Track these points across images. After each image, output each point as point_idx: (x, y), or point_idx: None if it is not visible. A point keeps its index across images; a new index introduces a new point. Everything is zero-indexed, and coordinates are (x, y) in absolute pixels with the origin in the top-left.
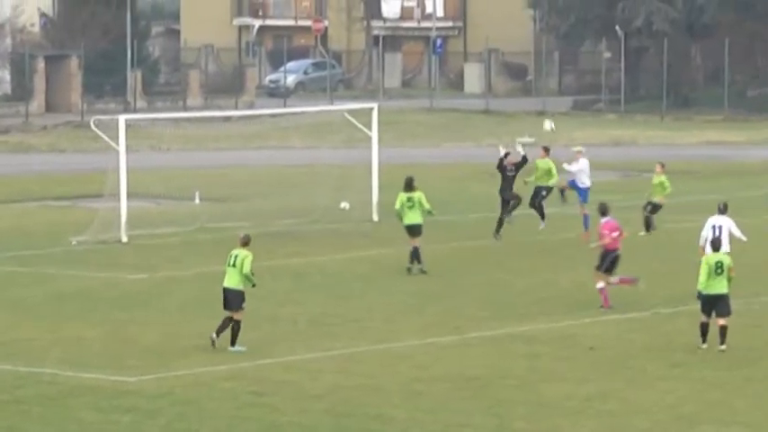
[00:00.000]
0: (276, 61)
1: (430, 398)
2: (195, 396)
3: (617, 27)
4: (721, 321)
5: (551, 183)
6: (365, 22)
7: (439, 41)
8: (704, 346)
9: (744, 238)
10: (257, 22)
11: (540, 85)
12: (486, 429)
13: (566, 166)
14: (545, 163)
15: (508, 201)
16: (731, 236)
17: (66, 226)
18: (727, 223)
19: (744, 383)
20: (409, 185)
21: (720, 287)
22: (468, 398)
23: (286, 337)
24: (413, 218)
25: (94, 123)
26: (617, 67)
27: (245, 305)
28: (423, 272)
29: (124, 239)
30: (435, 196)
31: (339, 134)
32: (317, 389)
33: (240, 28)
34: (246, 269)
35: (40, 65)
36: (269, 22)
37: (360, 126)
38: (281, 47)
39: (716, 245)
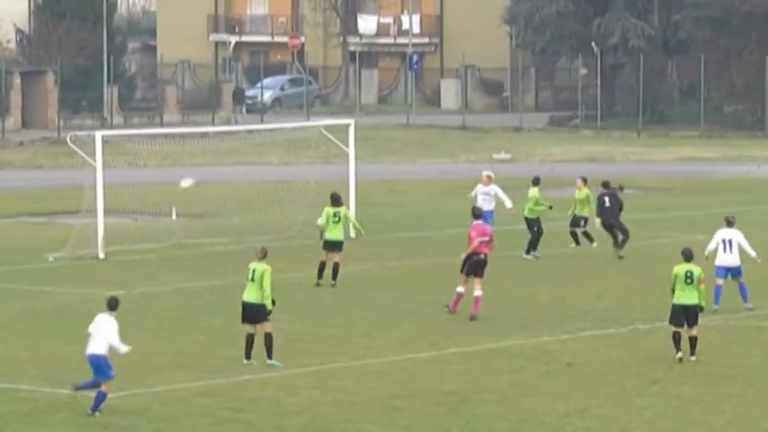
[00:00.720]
0: (253, 77)
1: (408, 414)
2: (172, 412)
3: (593, 43)
4: (692, 332)
5: (586, 212)
6: (342, 39)
7: (415, 58)
8: (679, 354)
9: (753, 254)
10: (234, 39)
11: (517, 102)
12: None
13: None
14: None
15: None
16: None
17: (43, 242)
18: (737, 236)
19: (722, 400)
20: (336, 201)
21: (691, 297)
22: (447, 413)
23: (263, 352)
24: (336, 233)
25: (71, 139)
26: (593, 84)
27: (271, 316)
28: (333, 285)
29: (101, 256)
30: (412, 212)
31: (316, 150)
32: (295, 405)
33: (217, 44)
34: (266, 285)
35: (16, 81)
36: (245, 38)
37: (337, 142)
38: (257, 63)
39: (687, 255)
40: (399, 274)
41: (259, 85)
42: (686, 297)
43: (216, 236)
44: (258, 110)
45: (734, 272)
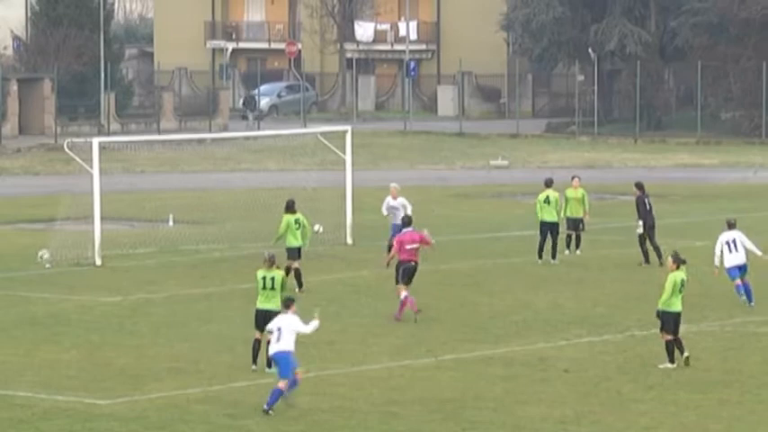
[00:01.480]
0: (250, 84)
1: (405, 420)
2: (169, 419)
3: (590, 50)
4: (677, 337)
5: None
6: (338, 46)
7: (412, 64)
8: (674, 365)
9: (759, 252)
10: (231, 45)
11: (514, 108)
12: None
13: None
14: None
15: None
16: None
17: (39, 249)
18: (740, 237)
19: (718, 406)
20: (291, 207)
21: (679, 305)
22: (444, 420)
23: (260, 358)
24: (299, 240)
25: (68, 146)
26: (590, 90)
27: None
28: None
29: (98, 262)
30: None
31: (313, 157)
32: (292, 411)
33: (214, 51)
34: (286, 291)
35: (13, 87)
36: (242, 45)
37: (333, 149)
38: (254, 70)
39: (681, 261)
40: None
41: (256, 91)
42: (676, 305)
43: (213, 242)
44: (255, 116)
45: (742, 269)
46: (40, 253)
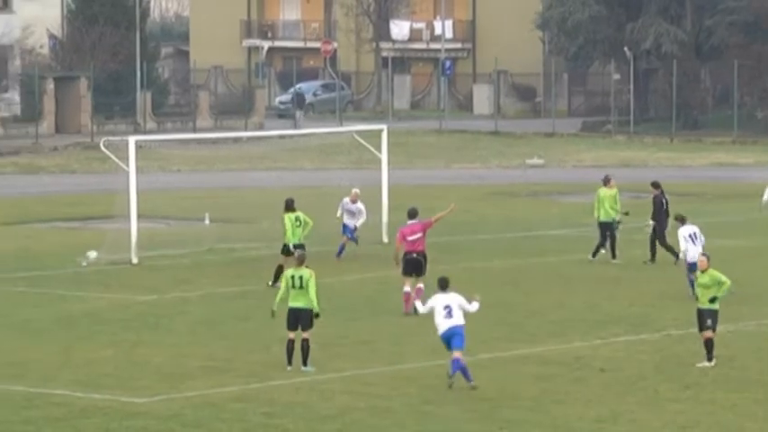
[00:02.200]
0: (285, 83)
1: (440, 419)
2: (205, 417)
3: (626, 49)
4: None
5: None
6: (374, 44)
7: (448, 63)
8: (713, 363)
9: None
10: (266, 44)
11: (549, 107)
12: None
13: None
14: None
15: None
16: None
17: (76, 247)
18: (697, 229)
19: (755, 405)
20: (290, 206)
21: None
22: (479, 419)
23: (296, 357)
24: (299, 237)
25: (104, 144)
26: (626, 89)
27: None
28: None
29: (134, 261)
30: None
31: (348, 155)
32: (328, 410)
33: (250, 49)
34: (312, 290)
35: (50, 86)
36: (278, 43)
37: (369, 147)
38: (290, 68)
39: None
40: (430, 279)
41: (291, 90)
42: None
43: (248, 241)
44: (290, 115)
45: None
46: (88, 253)
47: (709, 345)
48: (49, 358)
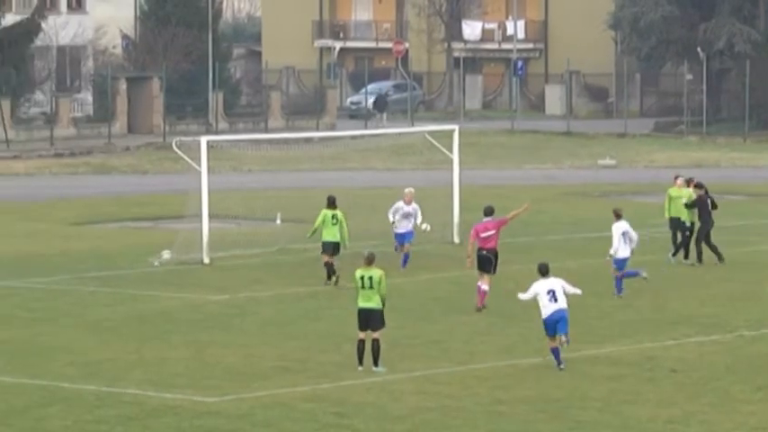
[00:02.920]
0: (357, 83)
1: (512, 419)
2: (275, 417)
3: (699, 49)
4: None
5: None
6: (446, 45)
7: (520, 63)
8: None
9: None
10: (338, 44)
11: (622, 107)
12: None
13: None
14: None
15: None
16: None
17: (148, 247)
18: (629, 228)
19: None
20: (332, 203)
21: None
22: (550, 420)
23: (367, 357)
24: (334, 235)
25: (176, 144)
26: (699, 89)
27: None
28: (337, 285)
29: (206, 260)
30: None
31: (420, 156)
32: (399, 410)
33: (321, 50)
34: (383, 290)
35: (122, 86)
36: (350, 44)
37: (441, 148)
38: (361, 69)
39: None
40: (502, 279)
41: (363, 90)
42: None
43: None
44: (362, 115)
45: (626, 263)
46: (161, 252)
47: None
48: (121, 357)
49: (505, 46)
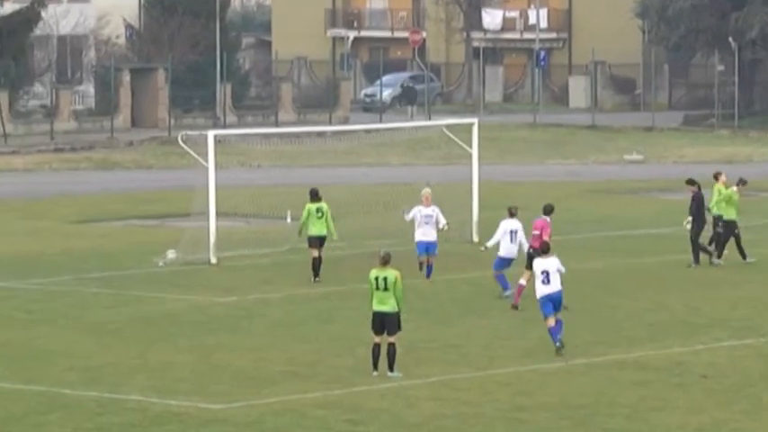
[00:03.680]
0: (372, 74)
1: (533, 427)
2: (286, 424)
3: (730, 39)
4: None
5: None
6: (465, 34)
7: (542, 54)
8: None
9: (525, 246)
10: (352, 34)
11: (649, 100)
12: None
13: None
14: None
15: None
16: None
17: (153, 246)
18: (520, 227)
19: None
20: (315, 196)
21: None
22: (574, 427)
23: (382, 362)
24: (321, 229)
25: (182, 139)
26: (730, 81)
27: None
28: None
29: (213, 260)
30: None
31: (437, 150)
32: (415, 417)
33: (334, 40)
34: (399, 292)
35: (126, 78)
36: (364, 33)
37: (459, 142)
38: (376, 59)
39: None
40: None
41: (378, 82)
42: None
43: (332, 240)
44: (377, 108)
45: (510, 263)
46: (167, 252)
47: None
48: (124, 362)
49: (527, 35)
